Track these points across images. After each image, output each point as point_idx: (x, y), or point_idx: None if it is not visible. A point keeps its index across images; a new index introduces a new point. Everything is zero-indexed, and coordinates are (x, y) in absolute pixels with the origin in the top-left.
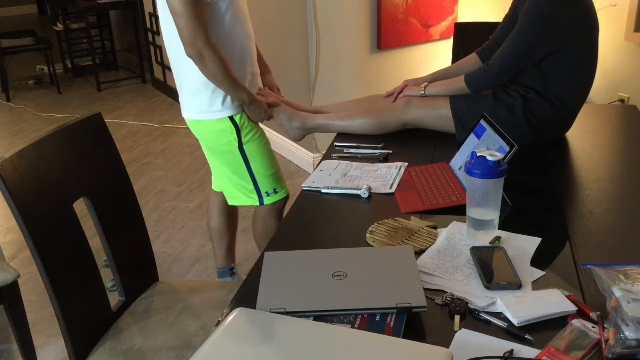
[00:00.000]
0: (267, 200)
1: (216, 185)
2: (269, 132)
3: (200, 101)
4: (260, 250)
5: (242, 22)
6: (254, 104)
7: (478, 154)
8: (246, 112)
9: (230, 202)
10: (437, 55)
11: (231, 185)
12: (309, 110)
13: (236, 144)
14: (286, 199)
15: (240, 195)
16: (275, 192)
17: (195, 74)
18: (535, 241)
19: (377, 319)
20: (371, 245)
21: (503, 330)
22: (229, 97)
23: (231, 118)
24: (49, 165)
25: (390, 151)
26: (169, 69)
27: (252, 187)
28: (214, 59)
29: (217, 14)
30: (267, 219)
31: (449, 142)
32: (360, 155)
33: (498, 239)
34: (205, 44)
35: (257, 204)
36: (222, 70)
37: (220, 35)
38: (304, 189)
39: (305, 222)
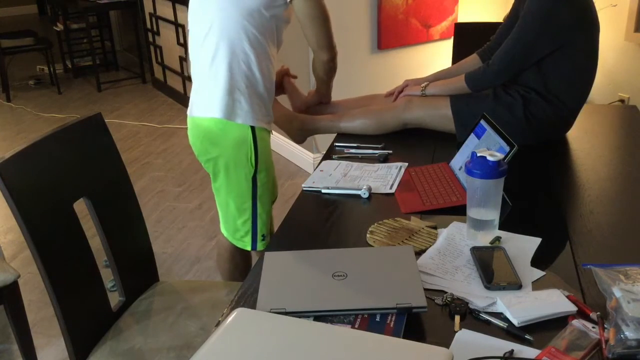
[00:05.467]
0: (260, 245)
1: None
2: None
3: (225, 103)
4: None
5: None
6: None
7: (478, 154)
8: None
9: (222, 230)
10: (437, 55)
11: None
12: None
13: (252, 169)
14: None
15: (230, 235)
16: (264, 237)
17: (229, 75)
18: (535, 241)
19: (377, 319)
20: (371, 245)
21: (503, 330)
22: (248, 107)
23: (252, 128)
24: (49, 165)
25: (390, 151)
26: (169, 69)
27: (249, 227)
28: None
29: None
30: (236, 256)
31: (449, 142)
32: (360, 155)
33: (498, 239)
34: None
35: (249, 248)
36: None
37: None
38: (304, 189)
39: (305, 222)
